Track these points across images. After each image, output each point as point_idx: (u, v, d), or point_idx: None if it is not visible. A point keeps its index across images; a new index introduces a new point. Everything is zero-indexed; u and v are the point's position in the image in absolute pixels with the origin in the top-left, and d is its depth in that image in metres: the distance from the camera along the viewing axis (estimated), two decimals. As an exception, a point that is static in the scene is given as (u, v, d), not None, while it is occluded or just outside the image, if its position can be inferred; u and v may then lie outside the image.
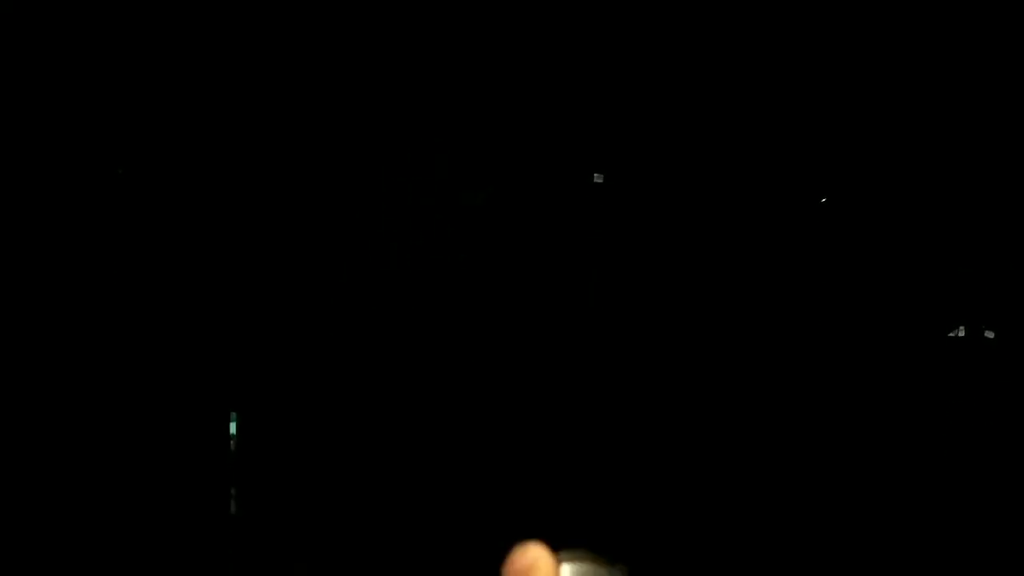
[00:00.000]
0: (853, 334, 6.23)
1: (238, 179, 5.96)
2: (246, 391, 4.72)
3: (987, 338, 7.24)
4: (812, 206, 6.92)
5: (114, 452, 4.35)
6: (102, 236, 6.30)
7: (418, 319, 5.52)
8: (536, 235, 6.53)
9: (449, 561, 3.49)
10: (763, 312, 5.70)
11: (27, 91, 4.93)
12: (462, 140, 6.53)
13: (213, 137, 5.86)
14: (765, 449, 4.40)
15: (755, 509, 3.95)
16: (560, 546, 0.31)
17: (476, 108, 6.46)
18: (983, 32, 6.35)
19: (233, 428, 4.64)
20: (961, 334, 7.25)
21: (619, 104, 6.43)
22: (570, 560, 0.32)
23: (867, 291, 6.84)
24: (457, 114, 6.40)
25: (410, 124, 6.44)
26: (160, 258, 6.23)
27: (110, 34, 5.76)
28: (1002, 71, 5.81)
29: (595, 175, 9.21)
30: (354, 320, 5.82)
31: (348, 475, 3.95)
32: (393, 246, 5.21)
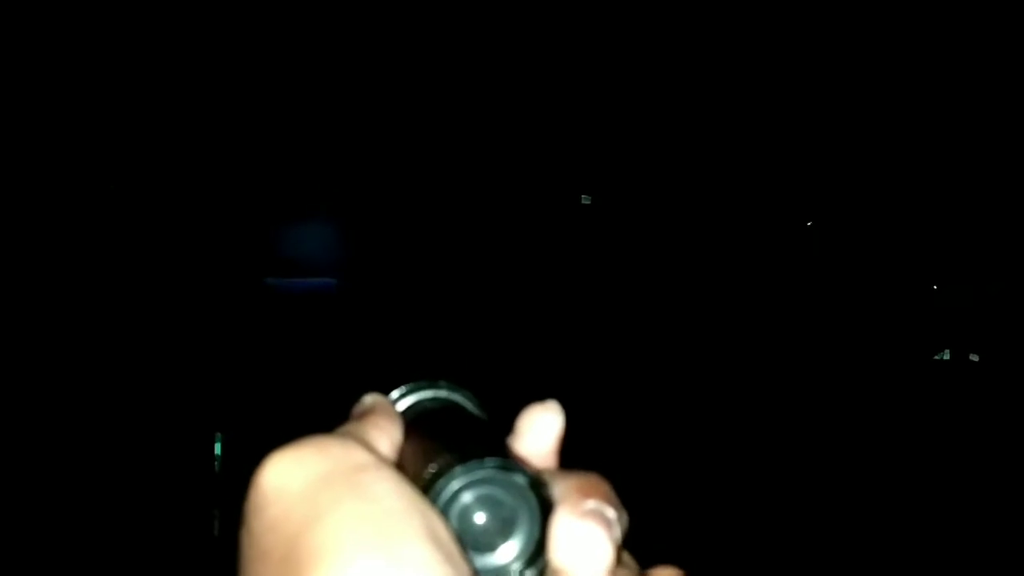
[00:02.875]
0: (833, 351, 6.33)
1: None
2: (232, 412, 4.62)
3: (972, 361, 7.30)
4: (797, 227, 7.14)
5: (96, 473, 4.14)
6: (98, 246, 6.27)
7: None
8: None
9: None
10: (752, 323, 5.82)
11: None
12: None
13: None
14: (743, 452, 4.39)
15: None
16: None
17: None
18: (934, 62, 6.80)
19: (218, 449, 4.48)
20: (946, 357, 7.30)
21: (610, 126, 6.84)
22: (408, 391, 0.35)
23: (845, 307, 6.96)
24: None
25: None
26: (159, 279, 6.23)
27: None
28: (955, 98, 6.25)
29: (583, 197, 9.34)
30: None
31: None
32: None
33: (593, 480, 0.30)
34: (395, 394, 0.36)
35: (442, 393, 0.36)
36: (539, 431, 0.33)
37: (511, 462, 0.29)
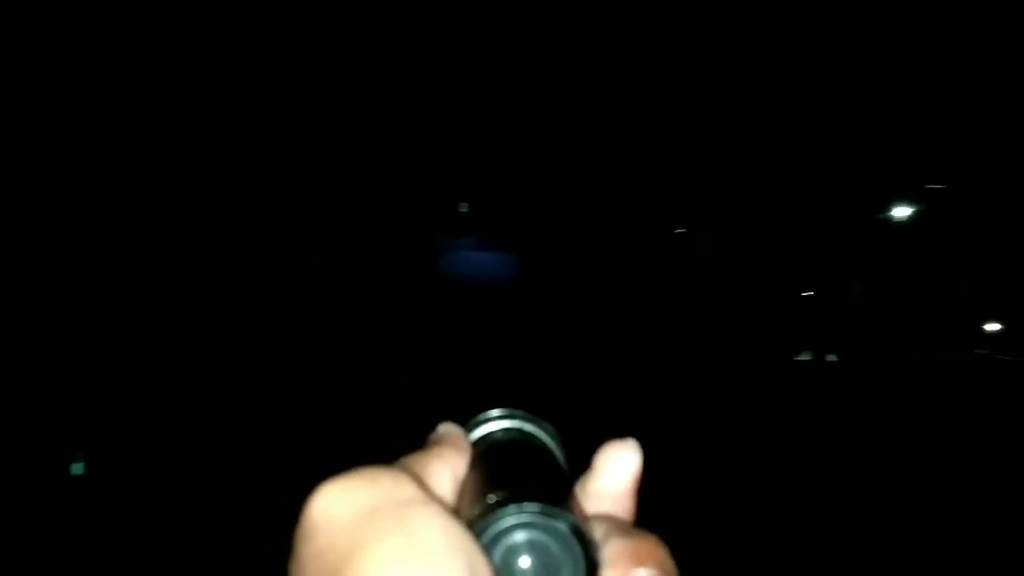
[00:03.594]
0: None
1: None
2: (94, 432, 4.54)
3: (831, 362, 7.90)
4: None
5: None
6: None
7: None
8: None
9: None
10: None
11: None
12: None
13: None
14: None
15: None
16: None
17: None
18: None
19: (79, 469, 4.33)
20: (807, 358, 7.87)
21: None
22: (482, 421, 0.35)
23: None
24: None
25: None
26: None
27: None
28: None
29: (460, 204, 9.64)
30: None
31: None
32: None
33: (649, 545, 0.28)
34: (475, 423, 0.35)
35: (516, 424, 0.35)
36: (615, 470, 0.32)
37: (558, 509, 0.27)
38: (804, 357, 7.60)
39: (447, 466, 0.31)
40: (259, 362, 6.23)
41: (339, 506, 0.26)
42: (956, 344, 7.78)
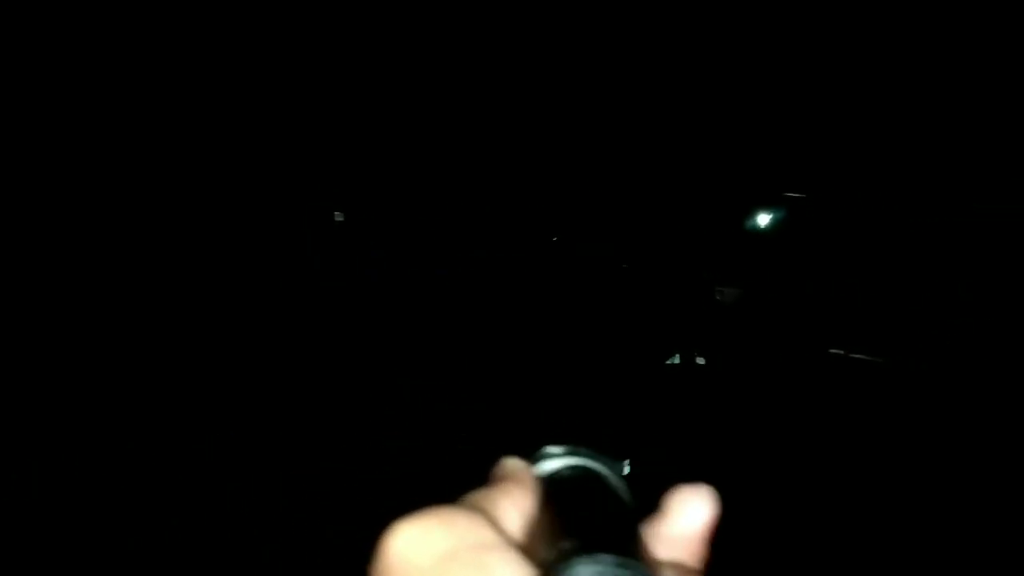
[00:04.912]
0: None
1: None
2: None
3: (699, 364, 8.20)
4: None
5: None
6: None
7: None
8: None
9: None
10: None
11: None
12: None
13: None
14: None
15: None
16: None
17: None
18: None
19: None
20: (676, 361, 8.09)
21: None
22: (547, 456, 0.35)
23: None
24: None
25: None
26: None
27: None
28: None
29: (335, 213, 9.53)
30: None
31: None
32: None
33: None
34: (538, 458, 0.35)
35: (582, 461, 0.35)
36: (687, 517, 0.31)
37: (632, 560, 0.27)
38: (674, 360, 7.88)
39: (516, 505, 0.30)
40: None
41: (416, 548, 0.26)
42: (812, 344, 8.26)
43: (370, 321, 7.95)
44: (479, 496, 0.31)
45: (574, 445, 0.36)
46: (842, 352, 8.56)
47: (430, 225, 8.44)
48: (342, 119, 7.16)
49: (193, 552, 3.38)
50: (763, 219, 8.95)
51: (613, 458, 0.35)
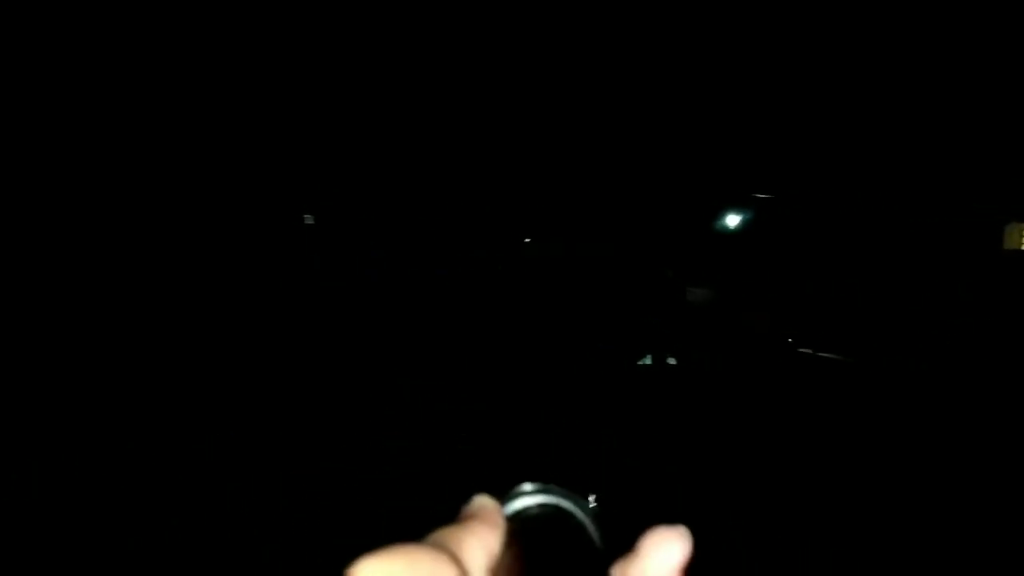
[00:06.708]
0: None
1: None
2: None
3: (670, 364, 8.23)
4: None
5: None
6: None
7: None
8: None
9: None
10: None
11: None
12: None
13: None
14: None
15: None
16: None
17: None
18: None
19: None
20: (648, 362, 8.11)
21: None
22: (517, 495, 0.34)
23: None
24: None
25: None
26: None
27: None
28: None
29: (305, 216, 9.41)
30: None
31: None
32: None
33: None
34: (510, 496, 0.34)
35: (552, 500, 0.34)
36: (661, 557, 0.31)
37: None
38: (646, 361, 7.90)
39: (481, 544, 0.30)
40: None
41: None
42: (781, 343, 8.35)
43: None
44: (445, 534, 0.30)
45: (546, 484, 0.35)
46: (810, 351, 8.68)
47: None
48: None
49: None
50: (732, 220, 9.04)
51: (585, 496, 0.35)
